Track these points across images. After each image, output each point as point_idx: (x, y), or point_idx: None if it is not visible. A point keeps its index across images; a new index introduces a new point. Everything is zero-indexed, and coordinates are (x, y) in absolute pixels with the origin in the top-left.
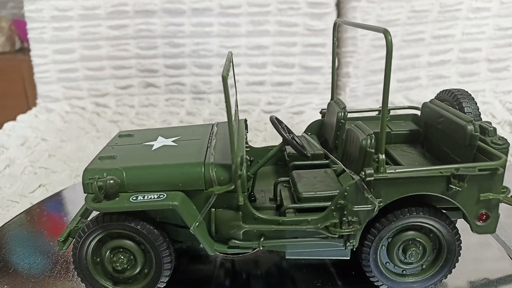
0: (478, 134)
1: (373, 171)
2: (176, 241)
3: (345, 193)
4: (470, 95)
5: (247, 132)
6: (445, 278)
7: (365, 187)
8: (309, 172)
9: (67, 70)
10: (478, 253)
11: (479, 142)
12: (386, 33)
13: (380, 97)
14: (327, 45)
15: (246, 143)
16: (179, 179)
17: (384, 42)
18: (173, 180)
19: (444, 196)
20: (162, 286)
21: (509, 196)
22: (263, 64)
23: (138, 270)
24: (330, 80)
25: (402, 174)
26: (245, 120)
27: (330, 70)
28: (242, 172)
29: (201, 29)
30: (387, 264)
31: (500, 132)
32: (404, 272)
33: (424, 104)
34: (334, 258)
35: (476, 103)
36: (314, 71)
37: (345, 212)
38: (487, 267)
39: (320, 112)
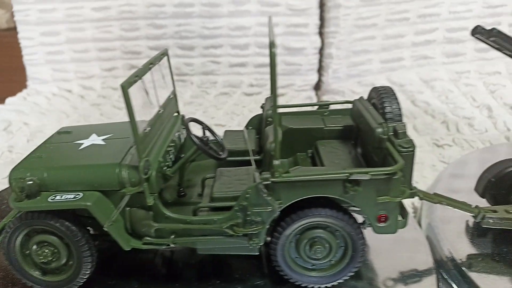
0: (386, 137)
1: (270, 175)
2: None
3: (247, 195)
4: (394, 94)
5: (184, 128)
6: (352, 274)
7: (264, 190)
8: (232, 170)
9: (54, 52)
10: (404, 250)
11: (388, 144)
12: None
13: (363, 79)
14: (310, 25)
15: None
16: (95, 179)
17: (368, 22)
18: (90, 180)
19: (342, 199)
20: (86, 277)
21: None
22: (245, 45)
23: (63, 262)
24: (313, 61)
25: (298, 178)
26: (183, 117)
27: (313, 51)
28: (150, 175)
29: (183, 10)
30: (297, 259)
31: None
32: (314, 267)
33: (354, 102)
34: (243, 254)
35: (398, 103)
36: (296, 52)
37: (249, 213)
38: (409, 262)
39: (261, 107)
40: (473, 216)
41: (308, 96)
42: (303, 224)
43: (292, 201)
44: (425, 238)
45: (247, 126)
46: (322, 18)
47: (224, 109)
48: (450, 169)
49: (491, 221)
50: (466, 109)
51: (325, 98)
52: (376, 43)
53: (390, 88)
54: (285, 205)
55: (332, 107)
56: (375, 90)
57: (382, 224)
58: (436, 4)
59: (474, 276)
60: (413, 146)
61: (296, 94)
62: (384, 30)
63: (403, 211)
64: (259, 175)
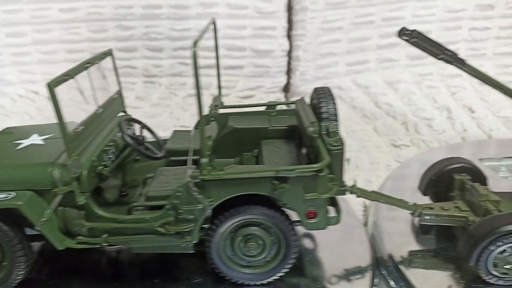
0: (316, 135)
1: (198, 173)
2: None
3: (178, 193)
4: (331, 94)
5: (130, 128)
6: (287, 270)
7: (193, 188)
8: (172, 169)
9: (20, 53)
10: (348, 247)
11: (319, 142)
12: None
13: (329, 81)
14: (277, 28)
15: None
16: (29, 179)
17: (334, 25)
18: (24, 179)
19: (272, 196)
20: (20, 278)
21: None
22: (213, 46)
23: None
24: (281, 64)
25: (226, 176)
26: (124, 117)
27: (282, 54)
28: (80, 174)
29: (151, 12)
30: (232, 256)
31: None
32: (249, 264)
33: (295, 102)
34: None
35: (334, 103)
36: (265, 55)
37: (180, 211)
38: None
39: (209, 107)
40: (410, 213)
41: (277, 98)
42: (237, 222)
43: (223, 199)
44: (367, 236)
45: (196, 127)
46: (290, 21)
47: (190, 111)
48: (400, 168)
49: (427, 217)
50: (427, 111)
51: (293, 99)
52: (342, 46)
53: (328, 88)
54: (217, 203)
55: (281, 107)
56: (315, 91)
57: (311, 221)
58: (400, 8)
59: (409, 272)
60: (342, 144)
61: (265, 95)
62: (349, 33)
63: (337, 208)
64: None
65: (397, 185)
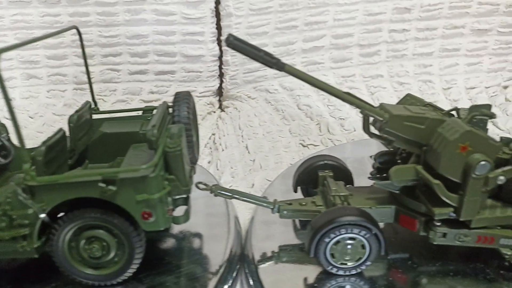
0: (154, 139)
1: (23, 179)
2: None
3: (8, 199)
4: (187, 98)
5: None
6: (134, 270)
7: (21, 193)
8: None
9: None
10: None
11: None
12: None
13: (258, 84)
14: (206, 34)
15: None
16: None
17: (259, 30)
18: None
19: (104, 198)
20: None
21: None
22: (144, 53)
23: None
24: (213, 68)
25: (50, 181)
26: None
27: (212, 59)
28: None
29: (78, 19)
30: (79, 258)
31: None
32: (98, 265)
33: (158, 107)
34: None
35: (187, 107)
36: (195, 60)
37: (14, 217)
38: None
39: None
40: (271, 209)
41: (210, 102)
42: (76, 225)
43: (56, 204)
44: (236, 235)
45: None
46: (219, 27)
47: None
48: (292, 167)
49: (285, 212)
50: (343, 111)
51: (225, 103)
52: (269, 50)
53: (187, 93)
54: (50, 207)
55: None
56: (174, 96)
57: (147, 221)
58: (322, 12)
59: (261, 268)
60: (179, 147)
61: (197, 100)
62: (274, 38)
63: (187, 207)
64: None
65: (285, 182)
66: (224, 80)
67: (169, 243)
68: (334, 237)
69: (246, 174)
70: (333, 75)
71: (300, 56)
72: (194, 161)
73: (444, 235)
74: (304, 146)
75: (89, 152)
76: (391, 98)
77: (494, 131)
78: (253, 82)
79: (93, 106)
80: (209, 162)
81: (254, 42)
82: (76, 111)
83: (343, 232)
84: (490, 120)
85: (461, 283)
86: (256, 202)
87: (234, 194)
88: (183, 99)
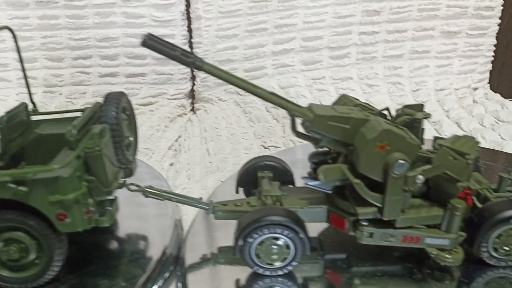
0: (73, 139)
1: None
2: None
3: None
4: (117, 98)
5: None
6: (55, 273)
7: None
8: None
9: None
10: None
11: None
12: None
13: (229, 87)
14: (176, 36)
15: None
16: None
17: (229, 32)
18: None
19: (18, 199)
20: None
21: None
22: (114, 55)
23: None
24: (184, 71)
25: None
26: None
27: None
28: None
29: (47, 22)
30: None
31: None
32: (17, 267)
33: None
34: None
35: (116, 107)
36: (166, 62)
37: None
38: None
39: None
40: (205, 209)
41: (181, 104)
42: None
43: None
44: (175, 235)
45: None
46: (190, 29)
47: None
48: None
49: (219, 213)
50: None
51: (197, 106)
52: (239, 53)
53: (119, 93)
54: None
55: None
56: (105, 96)
57: (63, 223)
58: (291, 15)
59: (191, 270)
60: (99, 147)
61: (168, 102)
62: (244, 40)
63: (112, 209)
64: None
65: (233, 184)
66: (195, 82)
67: (103, 244)
68: (258, 237)
69: (202, 176)
70: (303, 77)
71: (270, 58)
72: (125, 162)
73: (371, 234)
74: (265, 148)
75: (26, 153)
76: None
77: (458, 132)
78: (223, 84)
79: (31, 107)
80: (171, 165)
81: (224, 44)
82: (7, 112)
83: (266, 232)
84: (455, 122)
85: (391, 283)
86: (191, 203)
87: (167, 195)
88: (113, 99)
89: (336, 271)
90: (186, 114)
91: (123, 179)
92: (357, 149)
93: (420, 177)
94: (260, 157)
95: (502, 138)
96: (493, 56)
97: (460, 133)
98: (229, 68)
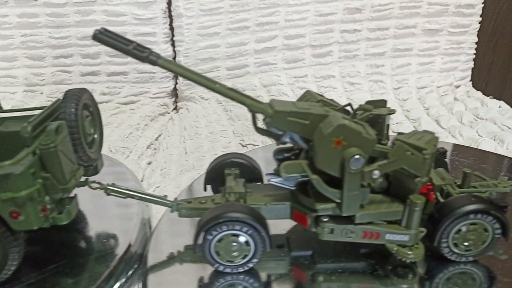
0: (28, 135)
1: None
2: None
3: None
4: (77, 94)
5: None
6: (11, 271)
7: None
8: None
9: None
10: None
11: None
12: None
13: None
14: (158, 34)
15: None
16: None
17: (210, 30)
18: None
19: None
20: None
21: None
22: (96, 54)
23: None
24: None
25: None
26: None
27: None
28: None
29: (27, 20)
30: None
31: None
32: None
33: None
34: None
35: (75, 104)
36: None
37: None
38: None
39: None
40: (170, 207)
41: (164, 103)
42: None
43: None
44: (142, 233)
45: None
46: (172, 27)
47: None
48: None
49: (184, 211)
50: None
51: (180, 104)
52: (222, 51)
53: (80, 89)
54: None
55: None
56: (65, 92)
57: (16, 220)
58: (273, 13)
59: (152, 268)
60: (54, 144)
61: (150, 101)
62: (226, 38)
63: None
64: None
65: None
66: (178, 81)
67: (70, 242)
68: (217, 234)
69: (177, 175)
70: (286, 75)
71: (252, 56)
72: (86, 160)
73: (332, 231)
74: (243, 146)
75: None
76: (340, 98)
77: (437, 129)
78: None
79: None
80: (148, 163)
81: (206, 43)
82: None
83: (225, 229)
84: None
85: (353, 280)
86: (155, 201)
87: (129, 193)
88: (73, 95)
89: (300, 268)
90: (168, 113)
91: (86, 177)
92: (314, 144)
93: (376, 172)
94: (227, 154)
95: (479, 135)
96: (474, 54)
97: (439, 130)
98: (211, 67)
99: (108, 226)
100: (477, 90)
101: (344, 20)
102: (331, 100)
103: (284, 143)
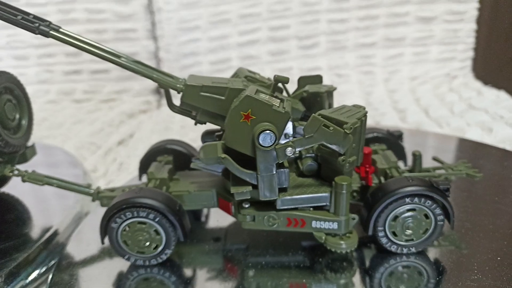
0: None
1: None
2: None
3: None
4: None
5: None
6: None
7: None
8: None
9: None
10: None
11: None
12: None
13: None
14: (139, 30)
15: None
16: None
17: (191, 24)
18: None
19: None
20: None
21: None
22: (78, 52)
23: None
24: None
25: None
26: None
27: (148, 56)
28: None
29: None
30: None
31: None
32: None
33: None
34: None
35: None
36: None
37: None
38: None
39: None
40: (91, 196)
41: (146, 100)
42: None
43: None
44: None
45: None
46: (152, 23)
47: (50, 118)
48: None
49: (105, 200)
50: None
51: (163, 101)
52: (203, 45)
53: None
54: None
55: None
56: None
57: None
58: (255, 4)
59: (62, 259)
60: None
61: (132, 98)
62: (208, 32)
63: None
64: None
65: None
66: None
67: None
68: (122, 222)
69: (135, 169)
70: (270, 68)
71: (236, 50)
72: (4, 146)
73: (253, 218)
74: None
75: None
76: None
77: (423, 120)
78: None
79: None
80: (115, 159)
81: (186, 37)
82: None
83: (129, 216)
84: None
85: (285, 274)
86: (73, 188)
87: (47, 180)
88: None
89: (233, 263)
90: (151, 110)
91: (8, 164)
92: (226, 121)
93: (289, 149)
94: (163, 141)
95: (468, 125)
96: (474, 43)
97: (425, 121)
98: (193, 62)
99: (39, 217)
100: (479, 80)
101: (330, 9)
102: (262, 76)
103: (202, 122)
